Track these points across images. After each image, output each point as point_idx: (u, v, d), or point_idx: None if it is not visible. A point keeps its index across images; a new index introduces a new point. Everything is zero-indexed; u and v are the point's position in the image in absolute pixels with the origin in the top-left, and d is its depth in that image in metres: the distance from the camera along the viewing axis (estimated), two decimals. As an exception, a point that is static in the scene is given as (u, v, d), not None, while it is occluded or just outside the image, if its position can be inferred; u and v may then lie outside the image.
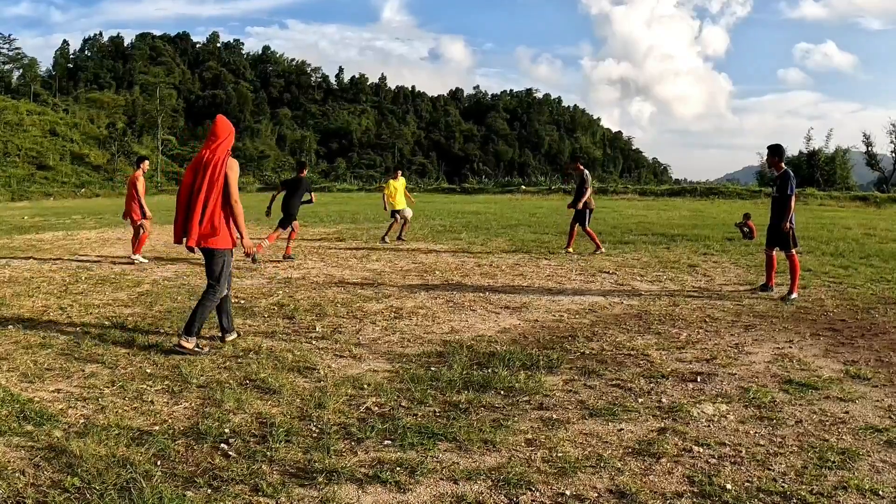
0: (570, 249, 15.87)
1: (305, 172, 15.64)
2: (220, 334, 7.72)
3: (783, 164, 10.78)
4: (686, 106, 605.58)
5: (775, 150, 10.82)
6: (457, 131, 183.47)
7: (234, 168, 7.30)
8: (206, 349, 7.21)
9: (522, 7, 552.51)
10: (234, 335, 7.72)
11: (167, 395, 5.86)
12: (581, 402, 5.70)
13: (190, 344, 7.10)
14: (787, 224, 10.48)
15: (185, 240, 7.32)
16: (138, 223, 14.60)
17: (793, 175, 10.68)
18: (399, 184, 19.28)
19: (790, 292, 10.36)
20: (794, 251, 10.55)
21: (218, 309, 7.58)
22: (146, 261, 14.36)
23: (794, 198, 10.55)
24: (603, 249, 15.59)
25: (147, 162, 15.67)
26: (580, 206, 15.62)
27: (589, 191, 15.73)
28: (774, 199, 10.86)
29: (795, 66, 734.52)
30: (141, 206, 14.60)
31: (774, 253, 10.78)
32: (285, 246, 15.16)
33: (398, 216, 18.99)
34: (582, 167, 16.22)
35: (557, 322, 8.75)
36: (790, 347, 7.47)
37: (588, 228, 15.83)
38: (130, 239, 15.19)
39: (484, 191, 54.08)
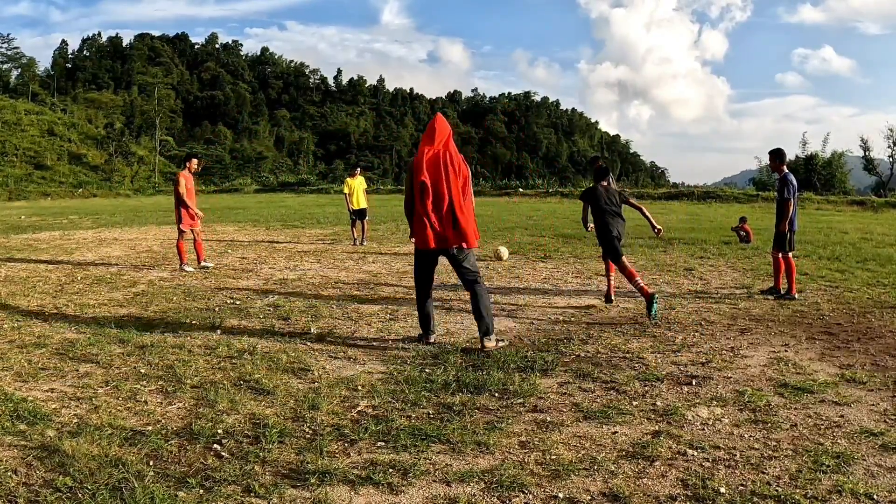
0: None
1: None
2: (422, 334, 7.81)
3: (784, 168, 10.81)
4: (684, 109, 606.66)
5: (775, 154, 10.89)
6: (454, 133, 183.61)
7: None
8: (505, 340, 7.60)
9: (521, 10, 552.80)
10: (435, 335, 7.83)
11: (161, 395, 5.86)
12: (575, 404, 5.69)
13: (492, 343, 7.34)
14: (784, 225, 10.57)
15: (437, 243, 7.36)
16: (183, 228, 13.52)
17: (791, 179, 10.68)
18: (357, 182, 18.86)
19: (788, 291, 10.55)
20: (788, 254, 10.64)
21: (426, 311, 7.72)
22: (191, 269, 13.31)
23: (790, 201, 10.57)
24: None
25: (195, 160, 14.22)
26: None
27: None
28: (777, 202, 10.98)
29: (794, 70, 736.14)
30: (178, 210, 13.50)
31: (781, 256, 10.82)
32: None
33: (364, 218, 18.69)
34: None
35: (553, 324, 8.74)
36: (786, 351, 7.46)
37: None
38: (194, 246, 13.98)
39: (481, 193, 53.94)
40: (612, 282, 10.41)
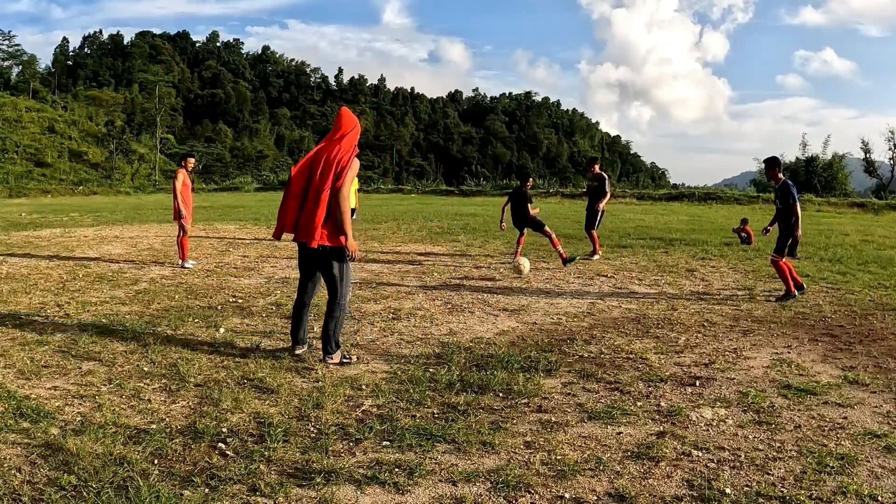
0: (600, 253, 15.45)
1: (530, 184, 14.86)
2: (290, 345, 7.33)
3: (781, 175, 10.79)
4: (685, 110, 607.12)
5: (771, 163, 10.83)
6: (455, 133, 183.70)
7: (354, 166, 6.81)
8: (355, 357, 7.00)
9: (522, 10, 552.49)
10: (305, 348, 7.22)
11: (164, 393, 5.85)
12: (580, 405, 5.70)
13: (336, 359, 6.84)
14: (798, 232, 10.52)
15: (295, 237, 6.89)
16: (184, 223, 13.49)
17: (792, 184, 10.70)
18: None
19: (788, 292, 10.53)
20: (783, 258, 10.59)
21: (296, 316, 7.25)
22: (192, 265, 13.47)
23: (798, 205, 10.56)
24: (599, 254, 15.40)
25: (192, 159, 14.39)
26: (601, 206, 15.52)
27: (609, 194, 15.71)
28: (778, 209, 10.91)
29: (794, 72, 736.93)
30: (179, 204, 13.49)
31: (777, 259, 10.82)
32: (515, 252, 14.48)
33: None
34: (599, 170, 16.05)
35: (556, 325, 8.74)
36: (788, 353, 7.47)
37: (594, 231, 15.62)
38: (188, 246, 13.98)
39: (482, 193, 53.94)
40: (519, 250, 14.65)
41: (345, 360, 6.87)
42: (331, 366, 6.71)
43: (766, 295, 10.86)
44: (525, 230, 14.69)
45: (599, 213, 15.61)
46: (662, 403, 5.76)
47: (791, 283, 10.61)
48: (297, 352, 7.17)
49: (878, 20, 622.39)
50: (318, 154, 6.84)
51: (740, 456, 4.67)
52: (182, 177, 13.69)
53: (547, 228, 14.19)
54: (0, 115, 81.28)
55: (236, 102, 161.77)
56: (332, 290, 6.89)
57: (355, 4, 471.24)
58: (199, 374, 6.34)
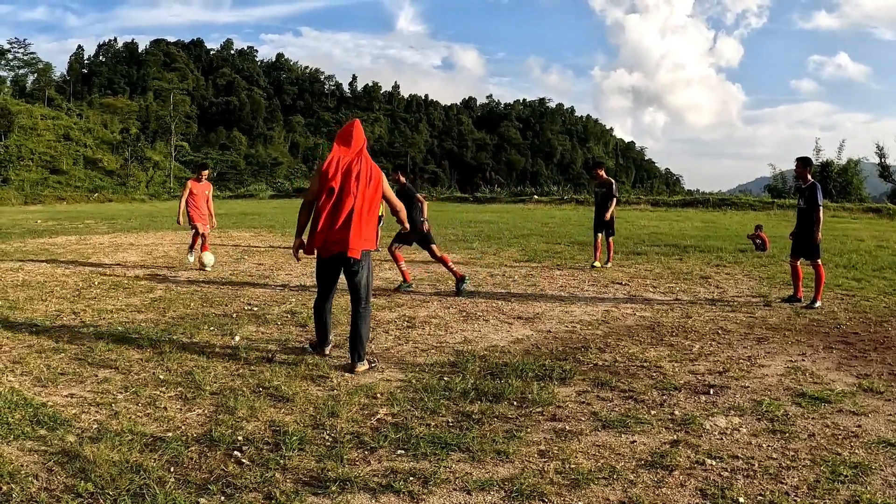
0: (598, 263, 15.04)
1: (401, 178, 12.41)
2: (316, 346, 7.60)
3: (810, 176, 10.86)
4: (699, 116, 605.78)
5: (805, 162, 10.91)
6: (469, 140, 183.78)
7: (384, 178, 7.25)
8: (376, 362, 7.15)
9: (534, 17, 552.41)
10: (330, 347, 7.56)
11: (180, 401, 5.89)
12: (594, 413, 5.70)
13: (364, 367, 6.92)
14: (819, 234, 10.63)
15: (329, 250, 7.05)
16: (195, 223, 14.57)
17: (820, 186, 10.77)
18: None
19: (814, 300, 10.53)
20: (819, 261, 10.65)
21: (322, 320, 7.51)
22: (192, 260, 15.03)
23: (822, 208, 10.64)
24: (597, 265, 15.01)
25: (206, 171, 14.98)
26: (608, 216, 15.16)
27: (616, 199, 15.36)
28: (802, 210, 10.97)
29: (809, 77, 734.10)
30: (188, 213, 14.44)
31: (799, 263, 10.83)
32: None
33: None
34: (606, 174, 15.58)
35: (570, 333, 8.74)
36: (803, 360, 7.45)
37: (611, 239, 15.41)
38: (197, 244, 15.11)
39: (496, 200, 53.89)
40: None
41: (372, 365, 7.03)
42: (346, 375, 6.74)
43: (802, 307, 10.67)
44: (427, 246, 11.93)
45: (611, 220, 15.35)
46: (676, 412, 5.75)
47: (821, 291, 10.62)
48: (328, 351, 7.52)
49: (892, 23, 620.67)
50: (350, 167, 6.97)
51: (754, 464, 4.67)
52: (189, 185, 14.62)
53: (436, 249, 11.85)
54: (16, 123, 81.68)
55: (251, 110, 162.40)
56: (362, 293, 7.12)
57: (368, 12, 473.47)
58: (215, 382, 6.37)
